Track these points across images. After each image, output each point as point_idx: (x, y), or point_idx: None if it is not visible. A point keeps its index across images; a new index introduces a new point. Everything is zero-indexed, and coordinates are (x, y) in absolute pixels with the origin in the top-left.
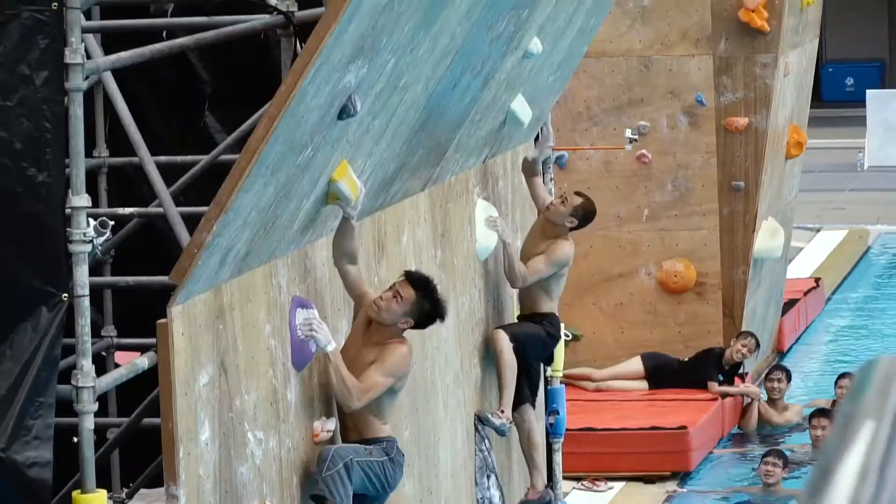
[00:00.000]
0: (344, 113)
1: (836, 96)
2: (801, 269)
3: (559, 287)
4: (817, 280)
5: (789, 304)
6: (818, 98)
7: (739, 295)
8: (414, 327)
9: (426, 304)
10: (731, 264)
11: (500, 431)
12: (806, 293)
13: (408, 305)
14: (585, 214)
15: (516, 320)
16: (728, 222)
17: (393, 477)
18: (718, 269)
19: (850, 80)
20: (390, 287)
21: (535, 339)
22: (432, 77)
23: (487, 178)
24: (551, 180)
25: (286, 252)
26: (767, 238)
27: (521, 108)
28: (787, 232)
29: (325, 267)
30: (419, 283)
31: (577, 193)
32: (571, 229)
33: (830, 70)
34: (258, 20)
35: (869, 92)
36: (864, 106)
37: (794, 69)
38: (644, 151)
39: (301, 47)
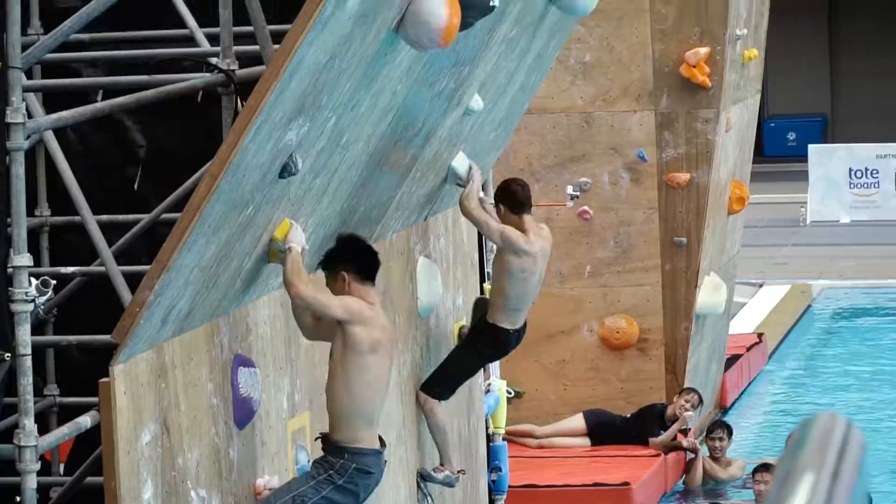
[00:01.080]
0: (285, 171)
1: (778, 151)
2: (743, 324)
3: (519, 289)
4: (760, 335)
5: (732, 360)
6: (760, 153)
7: (682, 351)
8: (357, 276)
9: (350, 250)
10: (674, 320)
11: (448, 484)
12: (749, 348)
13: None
14: (501, 192)
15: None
16: (670, 278)
17: (364, 488)
18: (661, 325)
19: (792, 135)
20: None
21: (455, 377)
22: (373, 134)
23: (429, 235)
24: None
25: (228, 311)
26: (710, 293)
27: (462, 164)
28: (730, 287)
29: (267, 325)
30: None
31: None
32: (509, 214)
33: (772, 125)
34: (199, 79)
35: (811, 147)
36: (807, 161)
37: (735, 124)
38: (586, 208)
39: (242, 105)
